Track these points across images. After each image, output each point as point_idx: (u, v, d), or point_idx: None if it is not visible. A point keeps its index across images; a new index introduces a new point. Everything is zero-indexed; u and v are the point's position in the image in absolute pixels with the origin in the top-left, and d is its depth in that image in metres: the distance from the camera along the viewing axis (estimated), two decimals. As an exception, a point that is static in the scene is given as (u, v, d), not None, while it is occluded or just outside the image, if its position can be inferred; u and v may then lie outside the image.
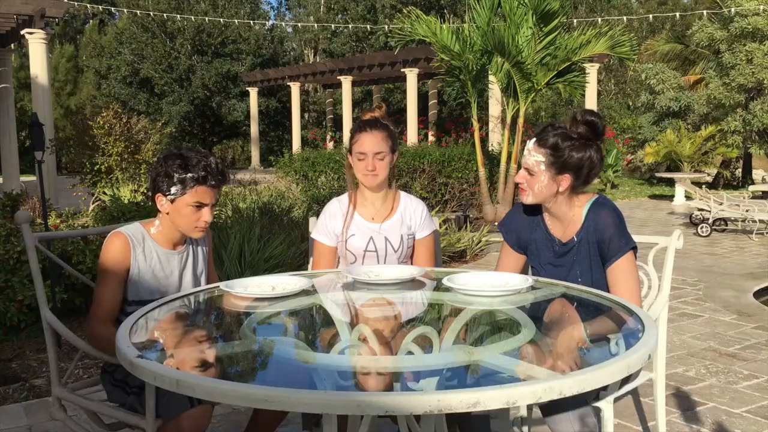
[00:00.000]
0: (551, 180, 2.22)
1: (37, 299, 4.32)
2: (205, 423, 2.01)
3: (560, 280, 2.29)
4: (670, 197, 14.19)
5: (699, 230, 9.10)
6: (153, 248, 2.28)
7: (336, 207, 2.63)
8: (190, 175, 2.18)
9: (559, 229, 2.33)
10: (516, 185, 2.37)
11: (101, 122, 9.47)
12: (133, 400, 2.16)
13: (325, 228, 2.60)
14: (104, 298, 2.21)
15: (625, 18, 21.41)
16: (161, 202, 2.23)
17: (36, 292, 2.35)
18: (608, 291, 2.25)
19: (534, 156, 2.23)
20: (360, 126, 2.54)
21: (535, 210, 2.38)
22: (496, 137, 13.37)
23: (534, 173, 2.24)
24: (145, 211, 5.78)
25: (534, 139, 2.27)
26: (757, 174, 18.77)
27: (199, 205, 2.22)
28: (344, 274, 2.31)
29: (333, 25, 28.77)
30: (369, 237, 2.55)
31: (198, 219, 2.23)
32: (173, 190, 2.19)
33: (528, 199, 2.28)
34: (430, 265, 2.60)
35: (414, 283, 2.28)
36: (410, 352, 1.58)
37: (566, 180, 2.22)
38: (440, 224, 7.49)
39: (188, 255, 2.38)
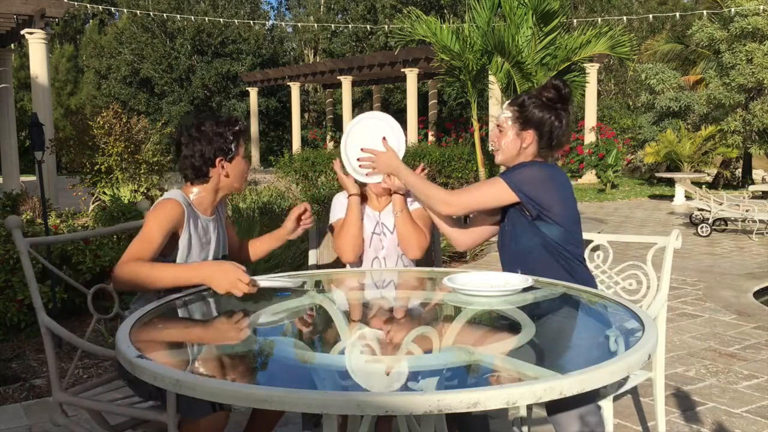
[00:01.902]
0: (516, 135, 2.37)
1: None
2: (223, 425, 2.02)
3: (503, 240, 2.41)
4: (670, 197, 14.19)
5: (699, 230, 9.11)
6: (196, 215, 2.32)
7: (344, 198, 2.71)
8: (236, 128, 2.29)
9: None
10: None
11: (101, 122, 9.46)
12: (153, 389, 2.12)
13: (344, 207, 2.66)
14: (151, 244, 2.10)
15: (625, 18, 21.42)
16: (222, 165, 2.28)
17: (31, 296, 2.32)
18: (534, 243, 2.32)
19: (504, 113, 2.41)
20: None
21: None
22: (496, 137, 13.37)
23: (503, 129, 2.40)
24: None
25: (507, 101, 2.45)
26: (757, 174, 18.77)
27: (246, 156, 2.34)
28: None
29: (333, 25, 28.77)
30: (376, 221, 2.68)
31: (247, 168, 2.35)
32: (233, 147, 2.27)
33: (498, 157, 2.43)
34: (426, 234, 2.63)
35: (414, 283, 2.27)
36: (410, 352, 1.58)
37: (529, 136, 2.35)
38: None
39: (218, 220, 2.43)
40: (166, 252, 2.23)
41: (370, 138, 2.52)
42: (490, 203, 2.32)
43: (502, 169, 2.46)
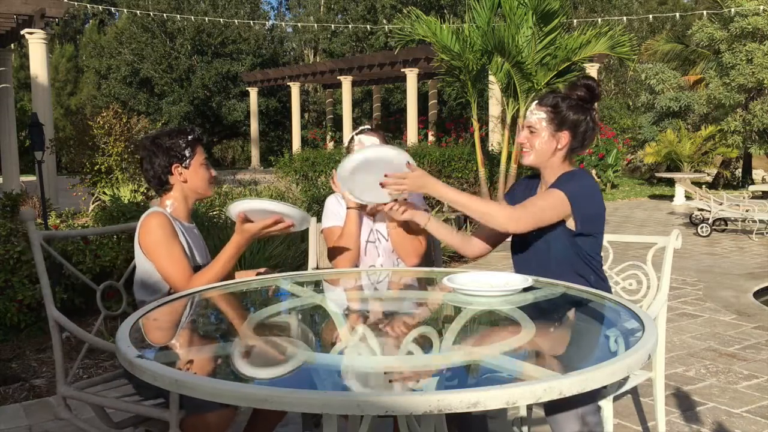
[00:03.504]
0: (551, 136, 2.33)
1: (37, 299, 4.33)
2: (230, 421, 2.05)
3: (525, 238, 2.34)
4: (670, 197, 14.20)
5: (699, 230, 9.11)
6: (180, 222, 2.44)
7: (336, 201, 2.75)
8: (191, 137, 2.40)
9: None
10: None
11: (101, 122, 9.47)
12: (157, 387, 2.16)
13: (336, 215, 2.69)
14: (179, 258, 2.31)
15: (625, 18, 21.42)
16: (179, 172, 2.40)
17: (42, 290, 2.35)
18: (574, 259, 2.30)
19: (536, 114, 2.35)
20: (359, 131, 2.73)
21: (535, 181, 2.48)
22: (496, 137, 13.37)
23: (535, 130, 2.34)
24: (145, 212, 5.77)
25: (536, 101, 2.40)
26: (757, 174, 18.78)
27: (206, 162, 2.46)
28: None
29: (333, 25, 28.77)
30: (370, 229, 2.67)
31: (210, 175, 2.47)
32: (187, 153, 2.39)
33: (529, 158, 2.37)
34: (422, 240, 2.64)
35: (414, 283, 2.27)
36: (410, 352, 1.58)
37: (565, 137, 2.32)
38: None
39: (197, 230, 2.55)
40: None
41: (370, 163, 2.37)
42: (552, 217, 2.24)
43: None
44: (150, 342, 1.71)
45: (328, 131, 24.45)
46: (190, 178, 2.42)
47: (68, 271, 4.72)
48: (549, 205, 2.23)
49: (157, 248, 2.29)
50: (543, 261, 2.32)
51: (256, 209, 2.31)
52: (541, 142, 2.33)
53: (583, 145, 2.36)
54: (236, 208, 2.31)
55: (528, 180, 2.55)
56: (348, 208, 2.60)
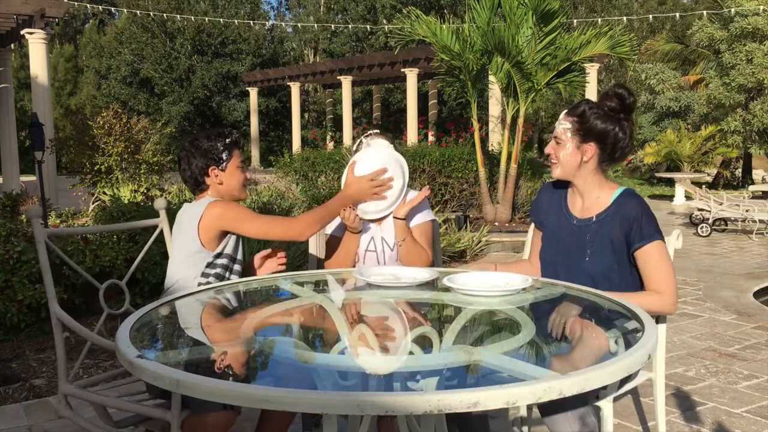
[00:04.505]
0: (576, 148, 2.26)
1: (37, 299, 4.33)
2: (231, 424, 2.07)
3: (564, 260, 2.29)
4: (670, 197, 14.20)
5: (699, 230, 9.11)
6: None
7: None
8: (228, 140, 2.47)
9: (578, 206, 2.33)
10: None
11: (101, 122, 9.47)
12: None
13: (340, 223, 2.67)
14: (266, 215, 2.48)
15: (625, 18, 21.40)
16: (215, 174, 2.47)
17: (45, 288, 2.36)
18: (623, 276, 2.25)
19: (562, 124, 2.29)
20: (368, 134, 2.73)
21: (562, 188, 2.42)
22: (496, 137, 13.37)
23: (561, 141, 2.29)
24: (145, 211, 5.77)
25: (565, 111, 2.34)
26: (757, 174, 18.78)
27: (242, 165, 2.53)
28: (357, 276, 2.31)
29: (333, 25, 28.78)
30: (370, 237, 2.63)
31: (245, 178, 2.55)
32: (224, 156, 2.46)
33: (556, 171, 2.32)
34: (428, 251, 2.63)
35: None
36: (410, 352, 1.58)
37: (591, 149, 2.25)
38: (440, 224, 7.47)
39: None
40: (213, 246, 2.41)
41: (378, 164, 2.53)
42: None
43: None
44: (150, 341, 1.71)
45: (328, 131, 24.44)
46: (226, 180, 2.48)
47: (68, 270, 4.72)
48: (669, 259, 2.22)
49: (247, 216, 2.38)
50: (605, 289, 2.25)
51: (365, 156, 2.46)
52: (566, 154, 2.27)
53: (614, 158, 2.28)
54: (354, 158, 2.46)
55: (552, 189, 2.46)
56: (348, 231, 2.55)
